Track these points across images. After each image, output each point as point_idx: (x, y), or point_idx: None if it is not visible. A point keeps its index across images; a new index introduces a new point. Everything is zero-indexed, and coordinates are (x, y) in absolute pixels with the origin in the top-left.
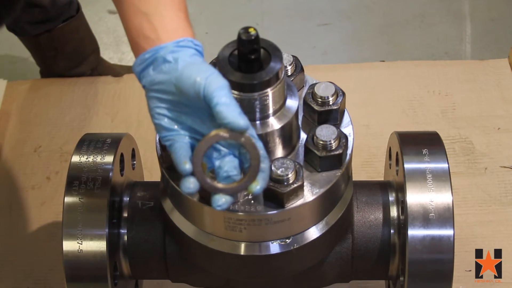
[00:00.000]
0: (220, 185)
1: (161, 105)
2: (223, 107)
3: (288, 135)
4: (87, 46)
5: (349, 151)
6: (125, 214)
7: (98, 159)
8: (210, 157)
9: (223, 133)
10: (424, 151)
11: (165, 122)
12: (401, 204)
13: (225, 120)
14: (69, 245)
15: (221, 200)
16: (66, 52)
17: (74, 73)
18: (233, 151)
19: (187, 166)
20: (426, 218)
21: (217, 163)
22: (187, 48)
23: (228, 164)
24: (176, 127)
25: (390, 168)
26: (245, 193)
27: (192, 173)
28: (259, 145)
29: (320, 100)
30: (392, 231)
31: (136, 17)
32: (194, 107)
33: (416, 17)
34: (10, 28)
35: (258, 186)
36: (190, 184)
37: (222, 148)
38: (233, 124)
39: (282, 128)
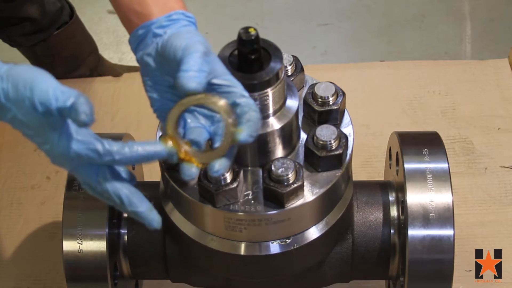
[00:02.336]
0: (192, 150)
1: (150, 78)
2: (179, 74)
3: (288, 135)
4: (84, 49)
5: (349, 151)
6: (125, 214)
7: None
8: (185, 123)
9: (190, 98)
10: (424, 151)
11: (156, 93)
12: (401, 204)
13: (177, 85)
14: (69, 245)
15: (192, 170)
16: (63, 57)
17: (73, 76)
18: (204, 125)
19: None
20: (426, 218)
21: (189, 129)
22: (178, 21)
23: (196, 132)
24: (166, 98)
25: (390, 168)
26: (245, 192)
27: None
28: (251, 104)
29: (320, 100)
30: (392, 231)
31: None
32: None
33: (416, 17)
34: (5, 40)
35: (243, 132)
36: (192, 169)
37: (197, 120)
38: (183, 87)
39: (282, 128)
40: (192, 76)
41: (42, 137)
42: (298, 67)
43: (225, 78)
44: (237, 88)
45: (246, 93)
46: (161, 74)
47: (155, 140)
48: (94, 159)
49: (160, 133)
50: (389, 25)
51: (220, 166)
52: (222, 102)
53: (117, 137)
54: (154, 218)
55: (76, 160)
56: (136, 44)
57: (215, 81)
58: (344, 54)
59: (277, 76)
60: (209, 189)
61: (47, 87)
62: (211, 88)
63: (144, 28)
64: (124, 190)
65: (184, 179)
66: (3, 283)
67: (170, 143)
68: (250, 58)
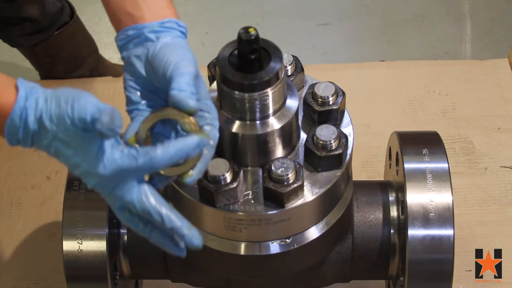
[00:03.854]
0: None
1: (133, 79)
2: (175, 91)
3: (288, 135)
4: (85, 49)
5: (349, 151)
6: None
7: None
8: (167, 135)
9: (171, 110)
10: (424, 151)
11: (134, 94)
12: (401, 204)
13: (174, 100)
14: (69, 245)
15: (158, 180)
16: (64, 58)
17: (73, 76)
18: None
19: (131, 139)
20: (426, 218)
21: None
22: (171, 30)
23: None
24: (142, 102)
25: (390, 168)
26: (245, 192)
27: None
28: (214, 135)
29: (320, 100)
30: (392, 231)
31: None
32: (160, 87)
33: (416, 17)
34: (5, 40)
35: (191, 178)
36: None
37: (179, 130)
38: (181, 104)
39: (282, 128)
40: (189, 95)
41: (81, 155)
42: (298, 67)
43: (205, 102)
44: (211, 114)
45: (216, 123)
46: (146, 78)
47: (186, 135)
48: (132, 166)
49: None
50: (389, 25)
51: (191, 179)
52: (192, 122)
53: None
54: (194, 235)
55: (115, 177)
56: (124, 42)
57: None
58: (344, 54)
59: (277, 76)
60: (209, 189)
61: (86, 103)
62: None
63: (135, 29)
64: (163, 208)
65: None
66: (3, 283)
67: (202, 135)
68: (250, 58)
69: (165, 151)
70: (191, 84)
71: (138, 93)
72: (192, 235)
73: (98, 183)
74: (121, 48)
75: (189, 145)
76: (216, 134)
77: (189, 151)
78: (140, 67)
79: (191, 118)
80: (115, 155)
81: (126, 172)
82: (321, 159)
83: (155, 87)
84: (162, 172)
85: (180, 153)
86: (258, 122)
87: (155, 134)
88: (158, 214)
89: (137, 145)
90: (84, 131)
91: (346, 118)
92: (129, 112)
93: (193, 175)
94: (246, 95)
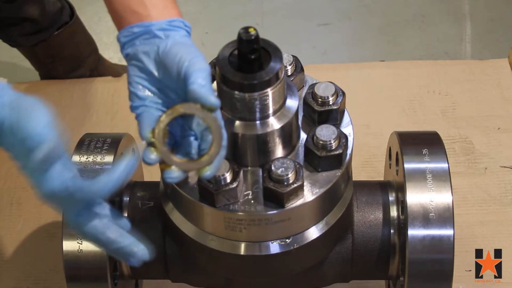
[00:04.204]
0: (176, 159)
1: (140, 75)
2: (196, 86)
3: (288, 135)
4: (85, 49)
5: (349, 151)
6: (125, 214)
7: (98, 159)
8: (175, 133)
9: (192, 106)
10: (424, 151)
11: (140, 90)
12: (401, 204)
13: (196, 95)
14: (69, 245)
15: (174, 174)
16: (64, 58)
17: (73, 76)
18: (195, 133)
19: (149, 135)
20: (426, 218)
21: (179, 141)
22: (178, 29)
23: (187, 144)
24: (150, 98)
25: (390, 168)
26: (244, 192)
27: (153, 143)
28: (224, 134)
29: (320, 100)
30: (392, 231)
31: None
32: (170, 85)
33: (416, 17)
34: (5, 40)
35: (208, 171)
36: (151, 155)
37: (186, 128)
38: (203, 99)
39: (282, 128)
40: (210, 91)
41: (30, 171)
42: (298, 67)
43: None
44: (217, 114)
45: (222, 122)
46: (155, 75)
47: (121, 159)
48: (66, 196)
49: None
50: (389, 25)
51: (176, 177)
52: (214, 117)
53: (117, 138)
54: (140, 250)
55: (55, 199)
56: (129, 39)
57: None
58: (344, 54)
59: (277, 76)
60: (209, 189)
61: (35, 124)
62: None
63: (142, 27)
64: (105, 231)
65: (144, 162)
66: (3, 283)
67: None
68: (250, 58)
69: (99, 186)
70: (209, 80)
71: (146, 89)
72: (136, 251)
73: (45, 199)
74: (125, 44)
75: (125, 172)
76: (224, 133)
77: (126, 177)
78: (149, 63)
79: (213, 115)
80: (52, 183)
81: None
82: (321, 159)
83: (163, 84)
84: (175, 167)
85: (118, 182)
86: (258, 122)
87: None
88: (96, 239)
89: (156, 141)
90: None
91: (346, 118)
92: (135, 108)
93: (210, 169)
94: (246, 95)
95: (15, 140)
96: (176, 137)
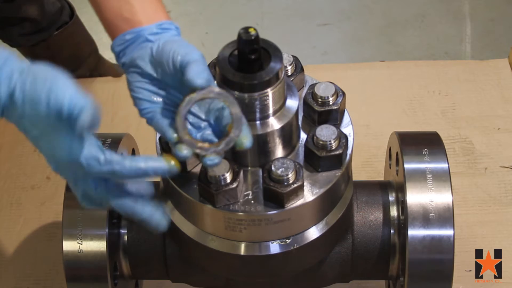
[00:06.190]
0: (206, 145)
1: (141, 80)
2: (193, 73)
3: (288, 135)
4: (84, 49)
5: (349, 151)
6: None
7: None
8: (190, 132)
9: (204, 91)
10: (424, 151)
11: (145, 95)
12: (401, 204)
13: (196, 81)
14: (69, 245)
15: (214, 161)
16: (63, 57)
17: (73, 76)
18: (209, 118)
19: (174, 136)
20: (426, 218)
21: (198, 136)
22: (168, 30)
23: (208, 134)
24: (155, 99)
25: (390, 168)
26: (245, 192)
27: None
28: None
29: (320, 100)
30: (392, 231)
31: None
32: (171, 82)
33: (416, 17)
34: (5, 40)
35: (246, 140)
36: (183, 150)
37: (199, 121)
38: (203, 81)
39: (282, 128)
40: (209, 74)
41: (48, 140)
42: (298, 67)
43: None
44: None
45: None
46: (155, 76)
47: (158, 156)
48: (94, 167)
49: (159, 135)
50: (389, 25)
51: (216, 162)
52: (224, 92)
53: (117, 138)
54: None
55: (77, 169)
56: (122, 48)
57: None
58: (344, 54)
59: (277, 76)
60: (209, 189)
61: (65, 91)
62: None
63: (134, 33)
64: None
65: (179, 157)
66: (3, 283)
67: (172, 162)
68: (250, 58)
69: (130, 167)
70: (205, 67)
71: (149, 92)
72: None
73: (62, 169)
74: (119, 54)
75: (160, 169)
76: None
77: (156, 174)
78: (146, 67)
79: (224, 91)
80: (81, 152)
81: (89, 169)
82: (321, 159)
83: (165, 83)
84: (210, 153)
85: (146, 174)
86: (258, 122)
87: None
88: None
89: (172, 163)
90: (56, 117)
91: (346, 118)
92: (144, 113)
93: (246, 138)
94: (246, 95)
95: (37, 109)
96: (193, 136)
